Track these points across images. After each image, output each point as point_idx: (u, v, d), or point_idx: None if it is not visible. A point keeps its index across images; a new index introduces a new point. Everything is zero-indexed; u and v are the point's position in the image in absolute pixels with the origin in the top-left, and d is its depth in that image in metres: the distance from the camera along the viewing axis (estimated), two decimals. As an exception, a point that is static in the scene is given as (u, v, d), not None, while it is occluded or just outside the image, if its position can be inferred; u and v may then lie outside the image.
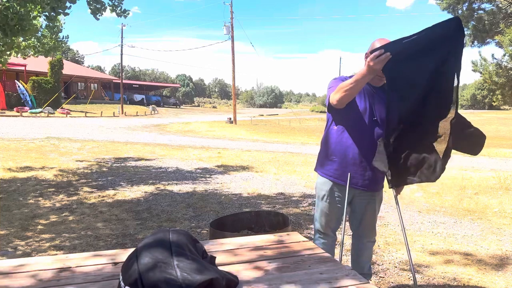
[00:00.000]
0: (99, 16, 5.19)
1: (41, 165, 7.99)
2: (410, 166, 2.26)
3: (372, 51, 2.06)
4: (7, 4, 5.05)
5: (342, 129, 2.38)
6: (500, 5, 8.78)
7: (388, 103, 2.20)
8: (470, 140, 2.30)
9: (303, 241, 1.78)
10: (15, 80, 31.59)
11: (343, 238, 2.48)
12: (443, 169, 2.23)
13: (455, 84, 2.11)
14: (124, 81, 42.63)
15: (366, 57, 2.28)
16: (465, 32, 9.48)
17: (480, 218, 4.87)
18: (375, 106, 2.33)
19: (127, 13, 5.51)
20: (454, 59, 2.09)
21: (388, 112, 2.21)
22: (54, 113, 29.66)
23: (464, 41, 2.10)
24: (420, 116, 2.18)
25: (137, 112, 37.15)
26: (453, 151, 2.27)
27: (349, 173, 2.38)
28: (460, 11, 9.34)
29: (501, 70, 9.10)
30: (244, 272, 1.41)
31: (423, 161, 2.23)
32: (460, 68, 2.11)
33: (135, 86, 53.72)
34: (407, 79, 2.13)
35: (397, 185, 2.39)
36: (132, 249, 1.31)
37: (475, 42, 9.44)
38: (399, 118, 2.19)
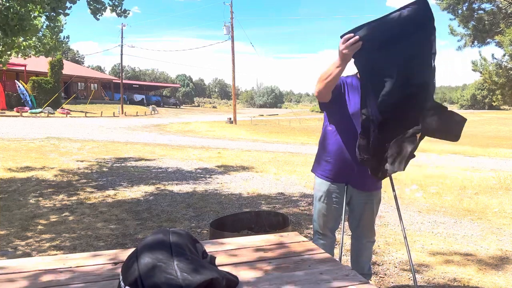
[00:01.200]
0: (99, 16, 5.19)
1: (41, 165, 7.99)
2: (389, 155, 2.17)
3: (341, 36, 1.98)
4: (7, 4, 5.06)
5: (337, 129, 2.37)
6: (500, 5, 8.78)
7: (363, 95, 2.13)
8: (449, 125, 2.15)
9: (303, 241, 1.78)
10: (15, 80, 31.59)
11: (342, 238, 2.49)
12: (405, 164, 2.18)
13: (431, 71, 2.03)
14: (124, 81, 42.64)
15: None
16: (465, 32, 9.50)
17: (480, 218, 4.87)
18: None
19: (127, 13, 5.51)
20: (426, 44, 1.99)
21: (363, 105, 2.13)
22: (54, 113, 29.67)
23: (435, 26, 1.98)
24: (398, 108, 2.08)
25: (137, 112, 37.16)
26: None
27: (346, 174, 2.39)
28: (460, 11, 9.33)
29: (501, 70, 9.10)
30: (244, 272, 1.41)
31: (400, 151, 2.15)
32: (435, 52, 2.01)
33: (135, 86, 53.72)
34: (379, 72, 2.05)
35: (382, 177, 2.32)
36: (132, 249, 1.31)
37: (475, 42, 9.43)
38: (375, 110, 2.10)
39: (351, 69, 2.19)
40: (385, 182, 2.52)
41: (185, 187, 6.25)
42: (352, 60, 2.06)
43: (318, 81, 2.21)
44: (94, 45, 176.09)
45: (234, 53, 29.43)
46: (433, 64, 2.04)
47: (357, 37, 1.92)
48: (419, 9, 1.93)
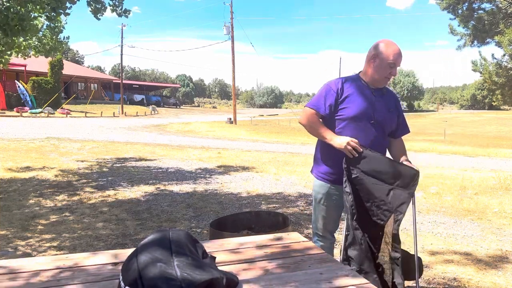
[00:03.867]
0: (100, 16, 5.19)
1: (41, 165, 7.99)
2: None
3: (356, 145, 2.19)
4: (7, 4, 5.06)
5: (338, 132, 2.33)
6: (500, 5, 8.77)
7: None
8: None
9: (303, 241, 1.78)
10: (15, 80, 31.58)
11: (343, 239, 2.48)
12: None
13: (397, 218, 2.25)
14: (124, 81, 42.63)
15: (373, 58, 2.29)
16: (465, 32, 9.49)
17: (480, 218, 4.87)
18: (373, 109, 2.31)
19: (128, 13, 5.50)
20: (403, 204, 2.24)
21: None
22: (54, 113, 29.67)
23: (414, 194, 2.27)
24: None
25: (137, 112, 37.16)
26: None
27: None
28: (460, 11, 9.32)
29: (501, 70, 9.09)
30: (244, 272, 1.41)
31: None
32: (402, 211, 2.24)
33: (135, 86, 53.73)
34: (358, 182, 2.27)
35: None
36: (132, 249, 1.31)
37: (475, 42, 9.42)
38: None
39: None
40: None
41: (185, 187, 6.25)
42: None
43: (309, 123, 2.37)
44: (94, 45, 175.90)
45: (234, 53, 29.44)
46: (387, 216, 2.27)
47: (361, 150, 2.21)
48: (410, 175, 2.23)
